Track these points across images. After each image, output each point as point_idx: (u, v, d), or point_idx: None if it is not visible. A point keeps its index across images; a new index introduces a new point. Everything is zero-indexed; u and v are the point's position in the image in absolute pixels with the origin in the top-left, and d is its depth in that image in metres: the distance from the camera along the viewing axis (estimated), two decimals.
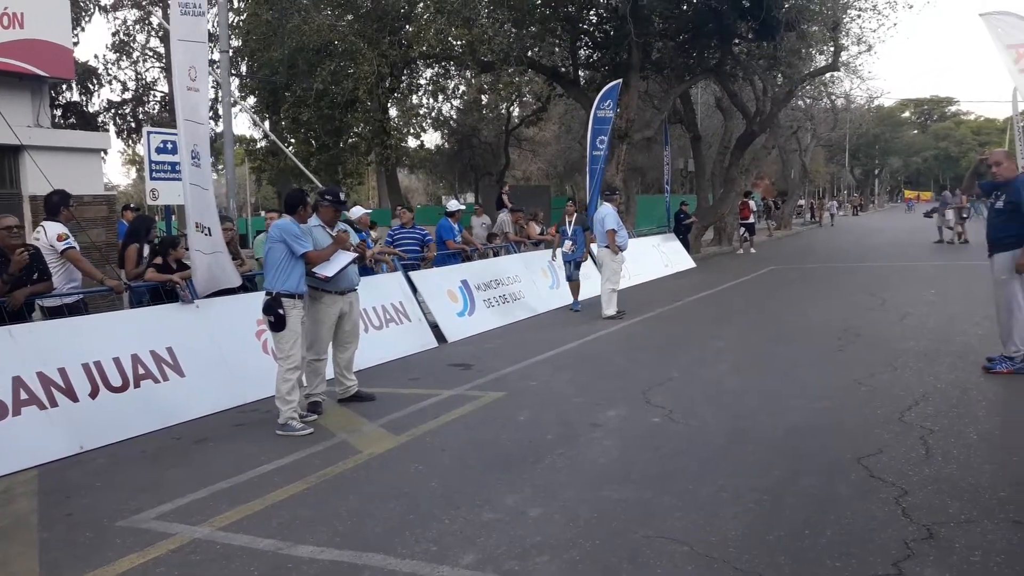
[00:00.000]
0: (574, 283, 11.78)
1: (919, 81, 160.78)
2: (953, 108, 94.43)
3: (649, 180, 34.44)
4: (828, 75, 28.59)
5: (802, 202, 43.95)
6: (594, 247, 12.11)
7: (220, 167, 17.94)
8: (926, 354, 7.46)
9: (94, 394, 5.63)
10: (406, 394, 6.83)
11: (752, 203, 24.65)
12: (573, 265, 11.64)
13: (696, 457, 4.80)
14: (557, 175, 40.33)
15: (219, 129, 16.48)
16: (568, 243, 11.48)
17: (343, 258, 6.11)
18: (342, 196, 6.56)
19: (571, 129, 31.02)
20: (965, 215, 22.87)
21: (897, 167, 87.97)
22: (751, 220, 23.91)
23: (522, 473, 4.65)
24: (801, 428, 5.28)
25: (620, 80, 16.85)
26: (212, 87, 20.20)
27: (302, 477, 4.73)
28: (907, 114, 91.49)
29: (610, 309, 10.82)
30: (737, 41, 20.54)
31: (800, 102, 34.15)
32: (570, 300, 12.02)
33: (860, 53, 26.53)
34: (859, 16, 22.41)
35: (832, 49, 23.86)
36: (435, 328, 9.48)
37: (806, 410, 5.74)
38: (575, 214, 11.67)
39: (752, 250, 23.30)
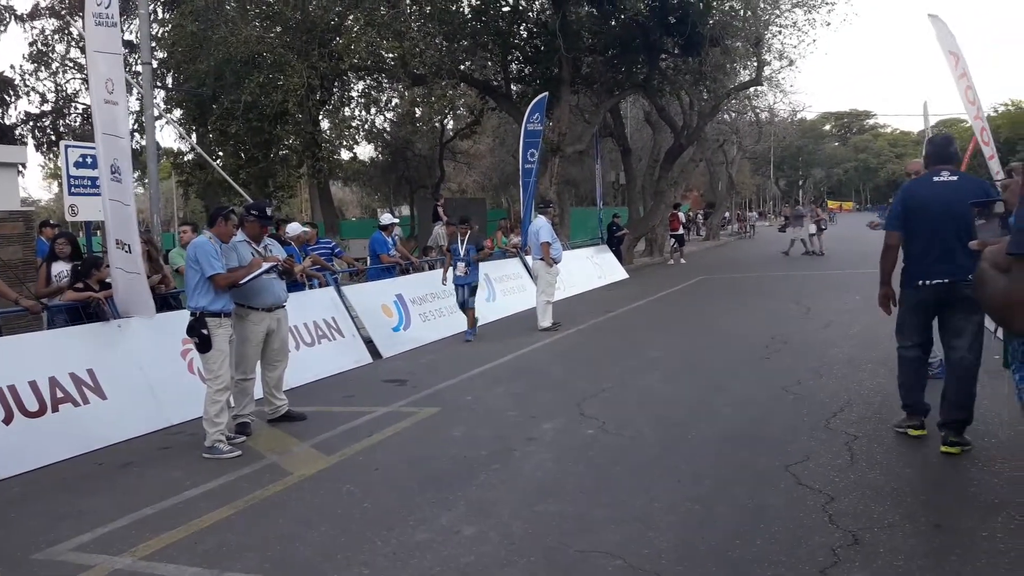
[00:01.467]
0: (469, 311, 10.59)
1: (839, 95, 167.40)
2: (871, 121, 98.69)
3: (582, 192, 34.86)
4: (752, 89, 29.49)
5: (728, 214, 45.01)
6: (529, 259, 12.16)
7: (145, 181, 17.41)
8: (850, 360, 7.72)
9: (8, 420, 5.37)
10: (339, 412, 6.72)
11: (681, 215, 25.21)
12: (467, 290, 10.47)
13: (630, 468, 4.85)
14: (492, 187, 40.45)
15: (143, 142, 15.99)
16: (461, 265, 10.37)
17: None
18: (268, 211, 6.43)
19: (505, 142, 31.20)
20: (824, 227, 24.12)
21: (820, 178, 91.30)
22: (680, 232, 24.45)
23: (456, 491, 4.62)
24: (731, 436, 5.40)
25: (547, 93, 17.05)
26: (136, 99, 19.63)
27: (230, 502, 4.60)
28: (828, 127, 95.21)
29: (545, 321, 10.89)
30: (664, 56, 21.07)
31: (726, 116, 35.13)
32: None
33: (782, 68, 27.47)
34: (780, 32, 23.26)
35: (755, 64, 24.65)
36: (369, 343, 9.37)
37: (736, 418, 5.87)
38: (468, 232, 10.63)
39: (682, 260, 23.81)
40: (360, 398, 7.26)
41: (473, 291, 10.55)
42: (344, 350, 8.90)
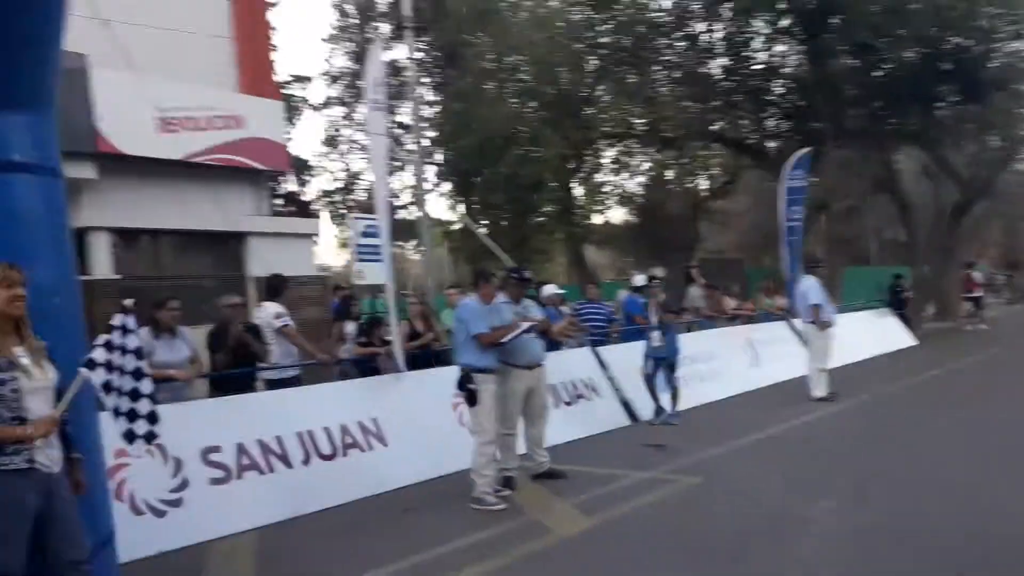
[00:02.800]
0: (652, 385, 9.12)
1: None
2: None
3: (856, 251, 32.27)
4: None
5: None
6: (797, 323, 11.37)
7: (421, 248, 19.04)
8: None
9: (307, 461, 5.95)
10: (599, 473, 6.62)
11: (978, 275, 22.32)
12: (655, 363, 9.07)
13: (921, 564, 4.18)
14: (752, 247, 38.89)
15: (419, 213, 17.58)
16: (655, 335, 9.03)
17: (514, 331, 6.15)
18: (526, 274, 6.67)
19: (764, 201, 29.98)
20: None
21: None
22: (978, 294, 21.57)
23: (723, 568, 4.28)
24: None
25: (810, 149, 16.13)
26: (412, 174, 21.70)
27: (497, 555, 4.66)
28: None
29: (819, 390, 10.01)
30: (940, 105, 19.07)
31: (1022, 165, 30.94)
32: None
33: None
34: None
35: None
36: (627, 405, 9.22)
37: None
38: (660, 295, 9.33)
39: (982, 326, 20.90)
40: (620, 461, 7.10)
41: (671, 367, 9.11)
42: (601, 411, 8.84)
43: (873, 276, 21.88)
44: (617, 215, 33.81)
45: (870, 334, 15.65)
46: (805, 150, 15.60)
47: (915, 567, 4.16)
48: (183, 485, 5.30)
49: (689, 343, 11.18)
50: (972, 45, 16.18)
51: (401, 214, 30.41)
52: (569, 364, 9.02)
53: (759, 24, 18.67)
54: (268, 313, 7.32)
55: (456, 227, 26.75)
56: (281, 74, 26.90)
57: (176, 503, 5.22)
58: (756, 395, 10.81)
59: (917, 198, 26.88)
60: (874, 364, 13.84)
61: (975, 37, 15.90)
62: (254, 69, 12.10)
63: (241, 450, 5.65)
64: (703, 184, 30.36)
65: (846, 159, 20.80)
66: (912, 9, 14.91)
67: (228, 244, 11.46)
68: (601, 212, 24.37)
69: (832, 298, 11.41)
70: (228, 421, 5.77)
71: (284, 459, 5.82)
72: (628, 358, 9.91)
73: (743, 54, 18.97)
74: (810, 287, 10.31)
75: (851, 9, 15.12)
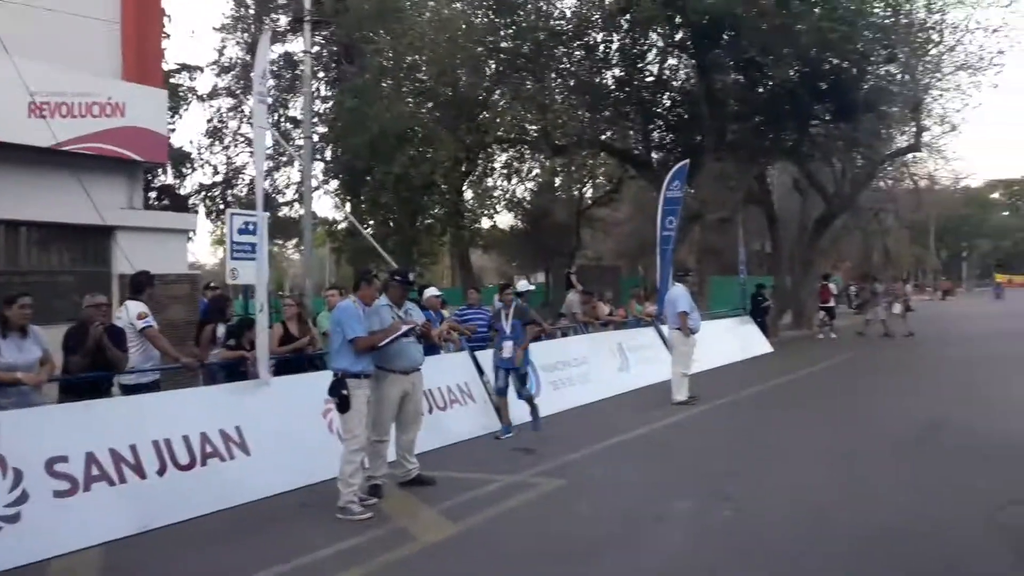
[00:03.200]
0: (503, 400, 8.67)
1: (1009, 161, 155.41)
2: None
3: (725, 261, 33.98)
4: (910, 156, 27.96)
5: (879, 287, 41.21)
6: (664, 328, 11.86)
7: (302, 247, 18.59)
8: (1016, 452, 6.92)
9: (162, 471, 5.72)
10: (467, 479, 6.70)
11: (832, 286, 23.92)
12: (506, 375, 8.59)
13: (768, 557, 4.51)
14: (630, 255, 40.23)
15: (301, 211, 17.18)
16: (507, 344, 8.48)
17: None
18: (410, 276, 6.64)
19: (644, 209, 31.08)
20: (911, 308, 21.51)
21: (987, 250, 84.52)
22: (831, 304, 23.16)
23: (582, 568, 4.45)
24: (881, 530, 4.92)
25: (688, 161, 16.88)
26: (298, 170, 21.19)
27: (360, 564, 4.65)
28: (996, 195, 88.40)
29: (680, 394, 10.51)
30: (814, 123, 20.36)
31: (882, 183, 33.42)
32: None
33: (943, 133, 25.91)
34: (941, 96, 21.99)
35: (914, 130, 23.40)
36: (499, 411, 9.34)
37: (886, 510, 5.36)
38: (512, 303, 8.77)
39: (832, 335, 22.47)
40: (488, 465, 7.22)
41: (522, 379, 8.68)
42: (475, 415, 8.92)
43: (738, 285, 23.05)
44: (504, 220, 34.20)
45: (731, 341, 16.53)
46: (684, 163, 16.31)
47: (765, 562, 4.45)
48: (22, 498, 4.97)
49: (562, 348, 11.52)
50: (848, 67, 17.30)
51: (285, 211, 29.66)
52: (446, 369, 9.06)
53: (654, 37, 19.36)
54: (130, 313, 7.01)
55: (341, 227, 26.32)
56: (170, 63, 25.82)
57: (13, 518, 4.89)
58: (623, 398, 11.23)
59: (785, 212, 28.59)
60: (733, 369, 14.63)
61: (851, 59, 17.01)
62: (140, 56, 11.54)
63: (91, 460, 5.35)
64: (588, 192, 31.16)
65: (722, 172, 21.87)
66: (797, 30, 15.81)
67: (94, 238, 10.87)
68: (490, 216, 24.59)
69: (699, 306, 12.00)
70: (78, 429, 5.45)
71: (137, 469, 5.56)
72: None
73: (637, 66, 19.60)
74: (679, 295, 10.79)
75: (741, 26, 15.89)
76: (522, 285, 12.49)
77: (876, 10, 17.25)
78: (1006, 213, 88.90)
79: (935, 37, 19.49)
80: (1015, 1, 19.67)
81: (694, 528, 5.15)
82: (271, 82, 30.14)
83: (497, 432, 8.55)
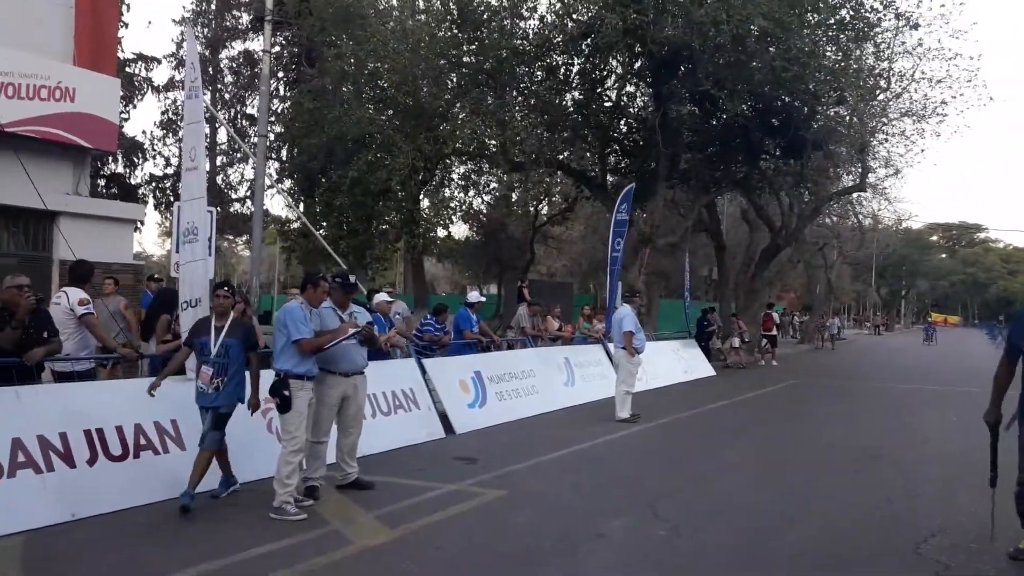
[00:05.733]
0: (206, 453, 5.76)
1: (947, 206, 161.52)
2: (982, 235, 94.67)
3: (672, 285, 34.58)
4: (855, 195, 28.91)
5: (828, 320, 42.17)
6: (611, 347, 12.00)
7: (250, 244, 18.30)
8: (945, 482, 7.19)
9: (92, 461, 5.56)
10: (407, 485, 6.67)
11: (775, 315, 24.53)
12: (210, 417, 5.80)
13: None
14: (582, 273, 40.63)
15: (252, 208, 16.93)
16: (206, 371, 5.78)
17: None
18: (352, 279, 6.61)
19: (597, 230, 31.46)
20: (746, 340, 22.23)
21: (924, 289, 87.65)
22: (774, 332, 23.74)
23: None
24: (812, 554, 5.06)
25: (634, 185, 17.16)
26: (252, 167, 20.89)
27: (290, 565, 4.58)
28: (935, 238, 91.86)
29: (624, 412, 10.64)
30: (765, 157, 20.94)
31: (827, 219, 34.45)
32: None
33: (887, 176, 26.93)
34: (887, 140, 22.84)
35: (860, 170, 24.21)
36: (444, 417, 9.35)
37: (819, 535, 5.51)
38: (230, 317, 5.98)
39: (774, 362, 23.03)
40: (429, 472, 7.20)
41: (220, 420, 5.83)
42: (419, 422, 8.90)
43: (683, 309, 23.40)
44: (460, 231, 34.19)
45: (675, 363, 16.82)
46: (630, 186, 16.61)
47: None
48: None
49: (510, 360, 11.58)
50: (799, 105, 17.85)
51: (236, 207, 29.22)
52: (392, 373, 9.03)
53: (614, 63, 19.68)
54: (71, 299, 6.83)
55: (294, 226, 26.01)
56: (126, 52, 25.34)
57: None
58: (568, 413, 11.32)
59: (732, 241, 29.26)
60: (676, 390, 14.87)
61: (802, 99, 17.56)
62: (94, 42, 11.29)
63: (17, 446, 5.19)
64: (543, 209, 31.41)
65: (674, 199, 22.29)
66: (752, 67, 16.25)
67: (36, 223, 10.57)
68: (445, 226, 24.58)
69: (646, 327, 12.21)
70: (6, 414, 5.27)
71: (67, 458, 5.41)
72: (451, 370, 10.11)
73: (596, 90, 19.90)
74: (626, 315, 10.95)
75: (698, 60, 16.28)
76: (472, 296, 12.59)
77: (828, 53, 17.86)
78: (944, 256, 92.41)
79: (883, 84, 20.29)
80: (959, 56, 20.51)
81: (630, 547, 5.20)
82: (228, 79, 29.80)
83: (216, 491, 6.00)
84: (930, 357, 29.10)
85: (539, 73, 19.31)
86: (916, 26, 19.11)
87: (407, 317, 11.50)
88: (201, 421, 5.88)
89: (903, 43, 19.76)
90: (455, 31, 18.74)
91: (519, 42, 18.19)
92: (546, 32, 17.98)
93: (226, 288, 6.06)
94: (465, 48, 18.85)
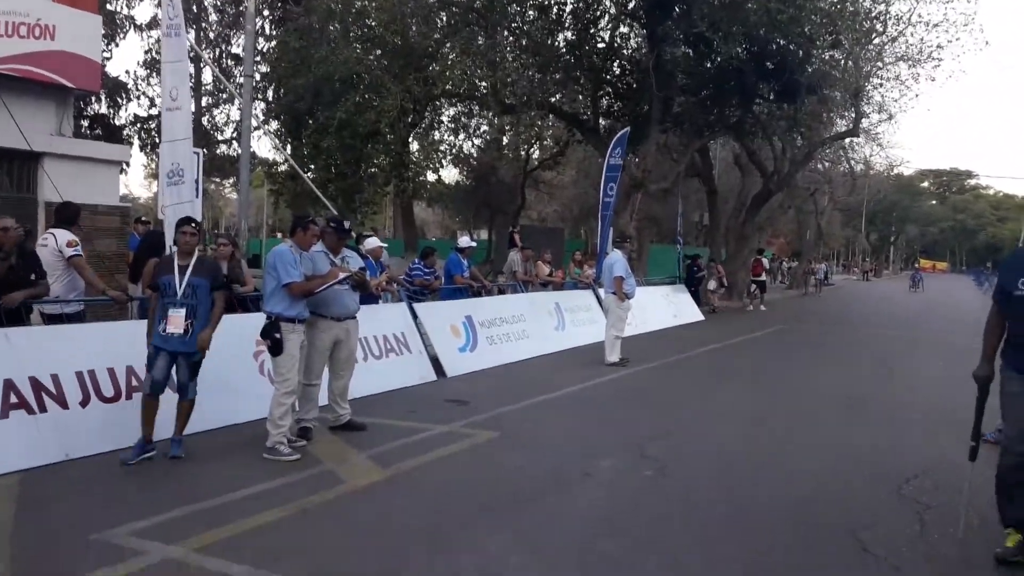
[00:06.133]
0: (151, 402, 5.43)
1: (939, 152, 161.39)
2: (972, 181, 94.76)
3: (664, 230, 34.57)
4: (848, 140, 28.75)
5: (815, 264, 42.43)
6: (602, 292, 12.04)
7: (237, 187, 18.08)
8: (928, 428, 7.32)
9: (85, 403, 5.59)
10: (399, 426, 6.75)
11: (765, 261, 24.63)
12: (168, 361, 5.44)
13: (687, 518, 4.69)
14: (572, 218, 40.53)
15: (239, 150, 16.68)
16: (175, 315, 5.38)
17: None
18: (346, 224, 6.56)
19: (589, 174, 31.27)
20: (724, 284, 22.37)
21: (914, 236, 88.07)
22: (763, 277, 23.86)
23: (507, 519, 4.55)
24: (796, 495, 5.17)
25: (628, 129, 16.98)
26: (237, 108, 20.51)
27: (283, 504, 4.65)
28: (926, 184, 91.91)
29: (613, 356, 10.74)
30: (759, 101, 20.73)
31: (819, 165, 34.33)
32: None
33: (881, 121, 26.76)
34: (881, 85, 22.63)
35: (853, 115, 24.02)
36: (435, 361, 9.41)
37: (803, 477, 5.62)
38: (195, 255, 5.60)
39: (763, 307, 23.21)
40: (421, 415, 7.28)
41: (196, 368, 5.58)
42: (410, 366, 8.96)
43: (676, 254, 23.44)
44: (450, 175, 33.89)
45: (665, 308, 16.92)
46: (625, 130, 16.44)
47: (682, 518, 4.63)
48: None
49: (501, 304, 11.62)
50: (794, 48, 17.60)
51: (223, 149, 28.79)
52: (383, 318, 9.05)
53: (607, 3, 19.29)
54: (59, 241, 6.75)
55: (281, 169, 25.71)
56: None
57: None
58: (558, 357, 11.42)
59: (724, 187, 29.15)
60: (665, 335, 14.99)
61: (797, 41, 17.30)
62: None
63: (9, 387, 5.19)
64: (535, 153, 31.12)
65: (666, 143, 22.11)
66: (747, 8, 15.96)
67: (20, 164, 10.36)
68: (435, 170, 24.36)
69: (636, 272, 12.23)
70: None
71: (59, 399, 5.42)
72: (442, 314, 10.15)
73: (589, 31, 19.53)
74: (616, 260, 10.96)
75: (692, 1, 15.96)
76: (463, 241, 12.56)
77: None
78: (934, 202, 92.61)
79: (879, 27, 19.99)
80: None
81: (618, 486, 5.30)
82: (213, 17, 29.04)
83: (127, 456, 5.35)
84: (916, 305, 29.38)
85: (531, 12, 18.93)
86: None
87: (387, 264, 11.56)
88: (149, 367, 5.40)
89: None
90: None
91: None
92: None
93: (193, 224, 5.66)
94: None
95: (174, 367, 5.50)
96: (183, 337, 5.39)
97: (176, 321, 5.36)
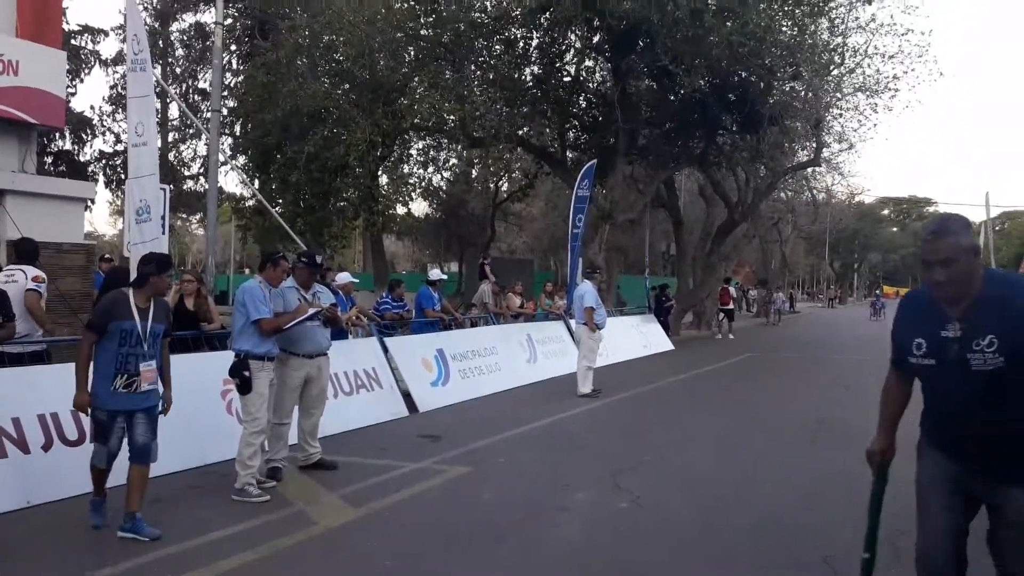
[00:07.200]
0: (146, 469, 4.87)
1: (898, 180, 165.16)
2: (931, 208, 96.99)
3: (631, 260, 34.87)
4: (810, 170, 29.35)
5: (779, 293, 42.89)
6: (572, 323, 12.08)
7: (205, 222, 17.92)
8: (899, 451, 7.41)
9: (47, 447, 5.45)
10: (370, 464, 6.67)
11: (732, 289, 24.93)
12: (141, 422, 4.79)
13: (663, 548, 4.69)
14: (542, 250, 40.75)
15: (207, 186, 16.57)
16: (149, 368, 4.76)
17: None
18: (318, 259, 6.53)
19: (557, 206, 31.53)
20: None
21: (876, 262, 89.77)
22: (731, 306, 24.15)
23: (482, 556, 4.51)
24: (770, 522, 5.19)
25: (595, 161, 17.20)
26: (204, 143, 20.41)
27: (254, 547, 4.55)
28: (886, 211, 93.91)
29: (585, 387, 10.75)
30: (722, 132, 21.13)
31: (782, 194, 34.95)
32: None
33: (841, 151, 27.34)
34: (841, 115, 23.16)
35: (814, 145, 24.56)
36: (407, 396, 9.34)
37: (776, 503, 5.66)
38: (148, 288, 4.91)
39: (731, 336, 23.44)
40: (393, 451, 7.20)
41: (156, 425, 4.91)
42: (382, 401, 8.88)
43: (644, 284, 23.69)
44: (419, 208, 33.93)
45: (635, 338, 17.02)
46: (592, 162, 16.65)
47: (657, 549, 4.62)
48: None
49: (473, 337, 11.61)
50: (755, 80, 18.01)
51: (189, 184, 28.56)
52: (354, 353, 8.98)
53: (573, 38, 19.60)
54: (29, 276, 6.61)
55: (249, 204, 25.54)
56: (71, 23, 24.49)
57: None
58: (530, 389, 11.41)
59: (690, 217, 29.55)
60: (636, 365, 15.05)
61: (758, 74, 17.71)
62: (37, 13, 10.87)
63: None
64: (503, 186, 31.34)
65: (633, 175, 22.39)
66: (709, 41, 16.32)
67: None
68: (404, 203, 24.37)
69: (606, 303, 12.32)
70: None
71: (20, 444, 5.28)
72: (414, 349, 10.10)
73: (555, 65, 19.81)
74: (587, 291, 11.03)
75: (656, 34, 16.30)
76: (434, 274, 12.56)
77: (784, 28, 18.01)
78: (895, 229, 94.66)
79: (837, 59, 20.53)
80: (910, 31, 20.89)
81: (593, 518, 5.28)
82: (179, 52, 28.98)
83: (97, 521, 4.84)
84: (875, 332, 29.85)
85: (497, 47, 19.16)
86: (869, 1, 19.39)
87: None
88: (102, 437, 4.69)
89: (857, 18, 20.01)
90: (412, 3, 18.48)
91: (477, 15, 18.01)
92: (504, 4, 17.82)
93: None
94: (423, 20, 18.61)
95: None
96: (146, 392, 4.76)
97: (149, 376, 4.74)
